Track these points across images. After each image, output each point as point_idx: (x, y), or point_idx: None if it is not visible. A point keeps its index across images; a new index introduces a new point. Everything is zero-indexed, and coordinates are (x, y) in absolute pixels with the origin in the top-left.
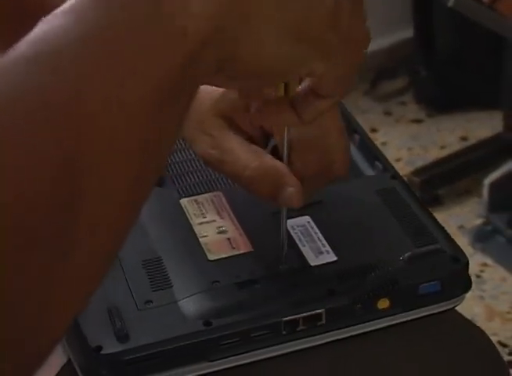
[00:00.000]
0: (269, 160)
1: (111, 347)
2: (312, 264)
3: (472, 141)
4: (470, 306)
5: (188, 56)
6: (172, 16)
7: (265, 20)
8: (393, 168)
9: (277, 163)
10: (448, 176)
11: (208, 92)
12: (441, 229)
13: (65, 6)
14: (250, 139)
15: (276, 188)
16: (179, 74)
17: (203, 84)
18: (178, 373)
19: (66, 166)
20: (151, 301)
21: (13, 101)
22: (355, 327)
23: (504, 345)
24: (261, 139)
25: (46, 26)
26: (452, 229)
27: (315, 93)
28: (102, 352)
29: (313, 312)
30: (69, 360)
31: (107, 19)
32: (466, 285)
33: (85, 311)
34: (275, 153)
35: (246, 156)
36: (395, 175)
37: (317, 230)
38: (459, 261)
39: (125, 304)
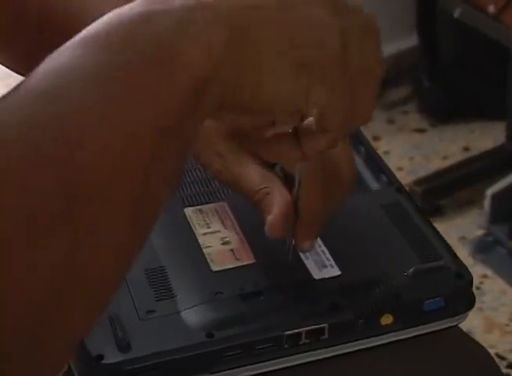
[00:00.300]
0: (276, 186)
1: (112, 356)
2: (316, 277)
3: (474, 152)
4: (468, 318)
5: (184, 101)
6: (171, 63)
7: (266, 60)
8: (398, 180)
9: (279, 189)
10: (450, 187)
11: None
12: (446, 244)
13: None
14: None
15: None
16: (177, 118)
17: (203, 121)
18: None
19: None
20: (153, 311)
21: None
22: (358, 342)
23: (502, 358)
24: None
25: (54, 62)
26: (452, 240)
27: (319, 127)
28: (103, 361)
29: (316, 327)
30: (69, 368)
31: (107, 63)
32: (470, 302)
33: None
34: (284, 171)
35: (257, 181)
36: (400, 189)
37: (321, 244)
38: (464, 278)
39: (127, 313)
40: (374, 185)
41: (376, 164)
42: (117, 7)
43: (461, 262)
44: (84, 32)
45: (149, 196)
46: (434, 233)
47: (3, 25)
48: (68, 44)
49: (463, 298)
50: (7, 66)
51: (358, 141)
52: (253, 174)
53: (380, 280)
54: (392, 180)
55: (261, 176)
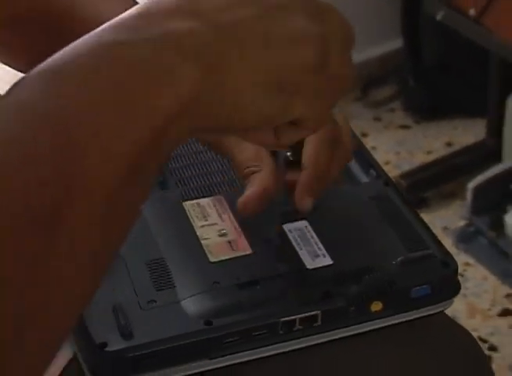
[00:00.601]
0: (265, 170)
1: (116, 344)
2: (309, 267)
3: (457, 147)
4: (453, 304)
5: (157, 131)
6: (133, 105)
7: (241, 82)
8: (386, 174)
9: (266, 168)
10: (434, 180)
11: None
12: (432, 234)
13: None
14: None
15: None
16: (148, 147)
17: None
18: (179, 370)
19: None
20: (154, 301)
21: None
22: (349, 328)
23: (484, 341)
24: None
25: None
26: (437, 230)
27: (296, 125)
28: (106, 348)
29: (310, 314)
30: (75, 354)
31: (70, 102)
32: (455, 289)
33: (91, 309)
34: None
35: (249, 157)
36: (388, 182)
37: (314, 234)
38: (449, 266)
39: (130, 303)
40: (363, 178)
41: (366, 159)
42: (119, 10)
43: (447, 251)
44: (49, 63)
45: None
46: (420, 224)
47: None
48: (33, 75)
49: (448, 285)
50: (7, 64)
51: None
52: (247, 149)
53: (370, 268)
54: (381, 174)
55: (255, 153)
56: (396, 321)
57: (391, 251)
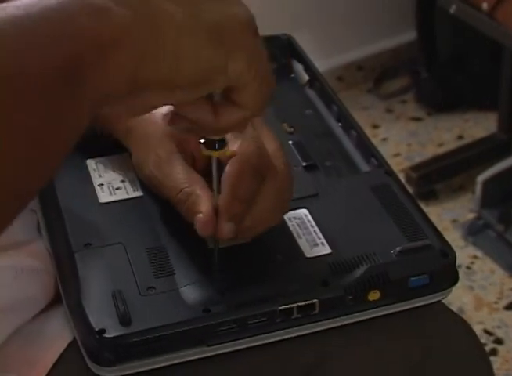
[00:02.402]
0: (198, 187)
1: (114, 330)
2: (308, 256)
3: (468, 140)
4: (459, 296)
5: (78, 57)
6: (71, 21)
7: (179, 30)
8: (387, 164)
9: (202, 190)
10: (444, 172)
11: (161, 115)
12: (432, 224)
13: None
14: (197, 163)
15: (192, 214)
16: (70, 69)
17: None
18: (177, 356)
19: None
20: (153, 288)
21: None
22: (347, 317)
23: (490, 334)
24: (206, 165)
25: None
26: (445, 223)
27: (235, 102)
28: (105, 335)
29: (307, 302)
30: (74, 339)
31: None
32: (454, 279)
33: (90, 295)
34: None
35: (181, 180)
36: (389, 171)
37: (313, 223)
38: (448, 256)
39: (129, 289)
40: (365, 168)
41: (367, 148)
42: None
43: (445, 241)
44: None
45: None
46: (420, 214)
47: None
48: None
49: (446, 275)
50: None
51: (349, 125)
52: (179, 173)
53: (368, 258)
54: (382, 163)
55: (186, 176)
56: (394, 310)
57: (389, 241)
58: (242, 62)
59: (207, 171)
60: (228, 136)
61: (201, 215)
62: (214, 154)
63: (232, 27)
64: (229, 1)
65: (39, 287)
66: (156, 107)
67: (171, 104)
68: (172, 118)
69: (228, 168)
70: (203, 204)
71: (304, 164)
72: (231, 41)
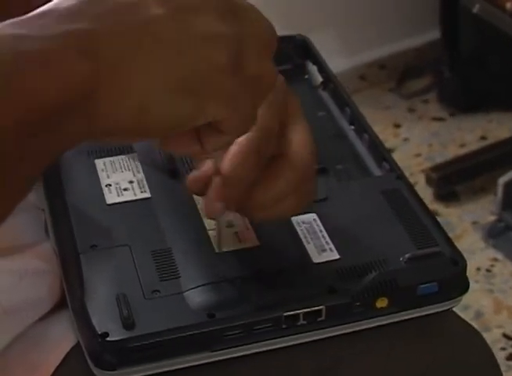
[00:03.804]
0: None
1: (117, 334)
2: (315, 261)
3: (491, 140)
4: (478, 299)
5: (34, 114)
6: (22, 78)
7: (148, 82)
8: (399, 168)
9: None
10: (466, 174)
11: None
12: (443, 231)
13: None
14: None
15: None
16: (44, 118)
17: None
18: (181, 361)
19: None
20: (158, 291)
21: None
22: (354, 324)
23: (509, 338)
24: None
25: None
26: (466, 225)
27: (217, 130)
28: (108, 338)
29: (314, 308)
30: (78, 343)
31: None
32: (464, 288)
33: (94, 298)
34: None
35: None
36: (401, 176)
37: (322, 228)
38: (458, 264)
39: (133, 292)
40: (377, 172)
41: (379, 152)
42: None
43: (456, 248)
44: None
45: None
46: (431, 220)
47: None
48: None
49: (456, 283)
50: None
51: (362, 129)
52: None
53: (376, 264)
54: (394, 167)
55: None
56: (402, 318)
57: (399, 247)
58: (218, 107)
59: None
60: None
61: (195, 172)
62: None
63: (208, 76)
64: (214, 36)
65: (45, 288)
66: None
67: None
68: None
69: (230, 149)
70: (204, 164)
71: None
72: (204, 91)
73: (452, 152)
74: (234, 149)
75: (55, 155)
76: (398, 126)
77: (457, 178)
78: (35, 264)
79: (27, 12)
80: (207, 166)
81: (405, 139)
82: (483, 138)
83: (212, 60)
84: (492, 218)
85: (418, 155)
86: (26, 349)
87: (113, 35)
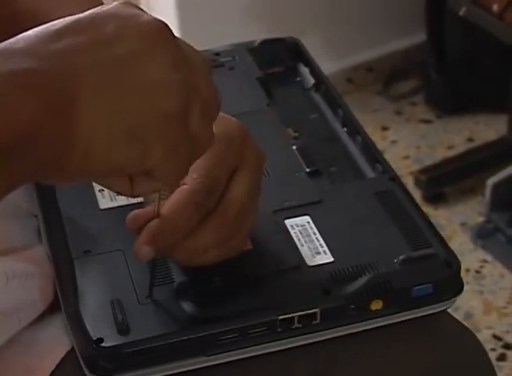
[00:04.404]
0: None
1: (112, 340)
2: (309, 264)
3: (478, 142)
4: (468, 300)
5: None
6: None
7: (93, 127)
8: (392, 170)
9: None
10: (454, 175)
11: None
12: (436, 232)
13: None
14: None
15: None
16: None
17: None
18: (176, 366)
19: None
20: (152, 296)
21: None
22: (349, 326)
23: (499, 339)
24: None
25: None
26: (454, 226)
27: (152, 176)
28: (102, 344)
29: (308, 311)
30: (73, 348)
31: None
32: (458, 289)
33: (88, 303)
34: None
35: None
36: (394, 177)
37: (316, 231)
38: (452, 265)
39: (128, 298)
40: (369, 173)
41: (372, 154)
42: (70, 12)
43: (450, 249)
44: None
45: None
46: (425, 222)
47: None
48: None
49: (451, 284)
50: None
51: (355, 130)
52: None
53: (371, 266)
54: (387, 169)
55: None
56: (396, 320)
57: (393, 249)
58: (158, 156)
59: None
60: None
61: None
62: None
63: (155, 124)
64: (166, 82)
65: (36, 292)
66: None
67: None
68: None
69: (171, 198)
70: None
71: (307, 169)
72: (151, 136)
73: (440, 154)
74: (174, 197)
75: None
76: (385, 129)
77: (445, 180)
78: (23, 266)
79: (15, 35)
80: (150, 208)
81: (393, 142)
82: (470, 140)
83: (161, 107)
84: (481, 219)
85: (406, 157)
86: (21, 354)
87: (60, 77)
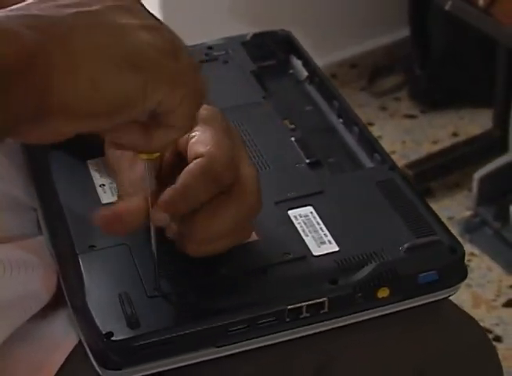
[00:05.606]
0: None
1: (122, 333)
2: (315, 254)
3: (463, 137)
4: (457, 293)
5: None
6: None
7: (96, 57)
8: (391, 159)
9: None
10: (440, 170)
11: None
12: (439, 220)
13: None
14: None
15: None
16: None
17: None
18: (186, 358)
19: None
20: (160, 289)
21: None
22: (356, 315)
23: (488, 331)
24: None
25: None
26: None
27: (163, 124)
28: (112, 338)
29: (316, 301)
30: (80, 341)
31: None
32: (462, 275)
33: (97, 298)
34: None
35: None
36: (393, 167)
37: (319, 221)
38: (456, 252)
39: (135, 291)
40: (368, 163)
41: (370, 144)
42: None
43: (453, 236)
44: None
45: None
46: (427, 209)
47: None
48: None
49: (455, 271)
50: None
51: (351, 121)
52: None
53: (376, 255)
54: (385, 159)
55: (129, 184)
56: (403, 307)
57: (397, 237)
58: (162, 89)
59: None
60: (203, 137)
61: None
62: (143, 157)
63: (151, 54)
64: (150, 27)
65: (37, 282)
66: (67, 135)
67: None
68: (108, 142)
69: (188, 166)
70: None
71: (307, 160)
72: (149, 68)
73: (426, 149)
74: (192, 165)
75: (5, 130)
76: (370, 124)
77: (432, 174)
78: (20, 255)
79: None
80: (117, 206)
81: (379, 137)
82: (455, 134)
83: (154, 43)
84: (468, 213)
85: (392, 152)
86: (27, 349)
87: (63, 18)
